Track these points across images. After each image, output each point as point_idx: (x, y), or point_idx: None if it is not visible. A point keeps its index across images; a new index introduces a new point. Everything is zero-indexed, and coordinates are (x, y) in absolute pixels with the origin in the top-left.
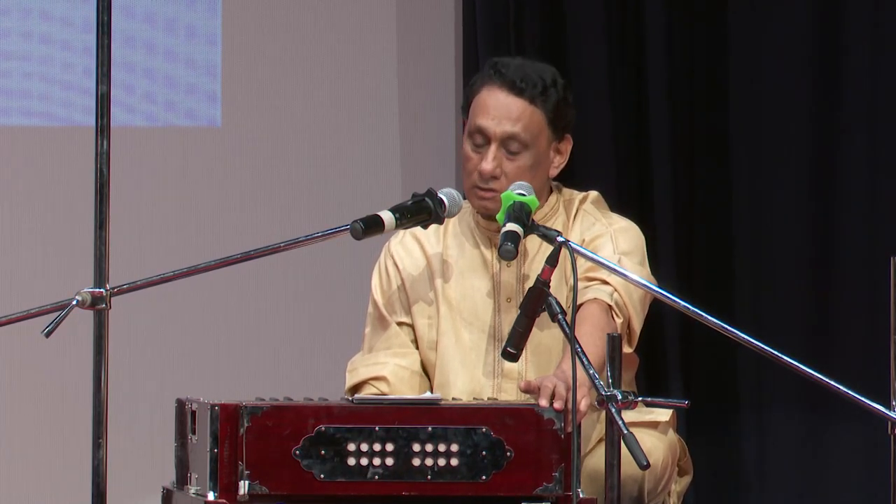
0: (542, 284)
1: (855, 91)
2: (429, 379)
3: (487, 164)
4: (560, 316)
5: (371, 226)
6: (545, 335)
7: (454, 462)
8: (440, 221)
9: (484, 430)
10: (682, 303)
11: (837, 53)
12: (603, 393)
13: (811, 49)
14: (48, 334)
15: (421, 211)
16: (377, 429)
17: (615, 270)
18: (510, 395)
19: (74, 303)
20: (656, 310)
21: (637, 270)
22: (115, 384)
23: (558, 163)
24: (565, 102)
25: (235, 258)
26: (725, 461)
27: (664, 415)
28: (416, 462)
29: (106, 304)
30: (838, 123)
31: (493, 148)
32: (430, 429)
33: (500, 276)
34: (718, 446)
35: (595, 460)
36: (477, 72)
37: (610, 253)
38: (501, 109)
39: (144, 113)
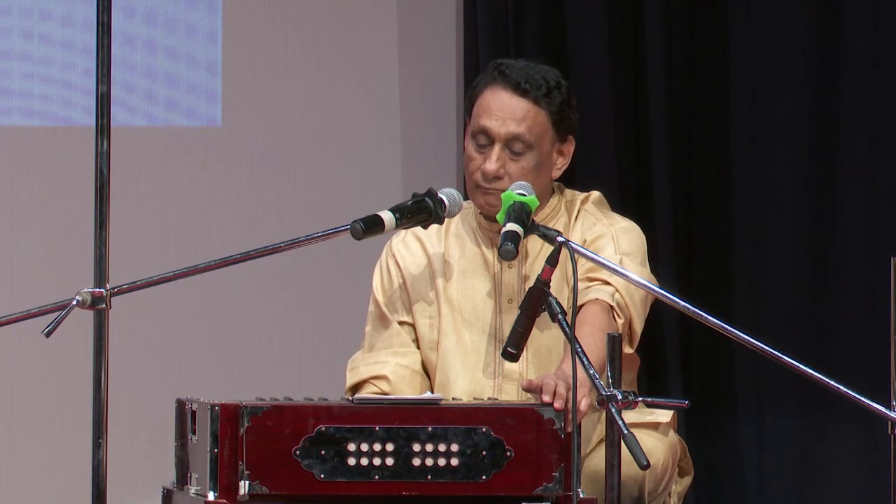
0: (543, 284)
1: (855, 91)
2: (429, 379)
3: (491, 165)
4: (560, 316)
5: (371, 226)
6: (546, 336)
7: (454, 462)
8: (440, 221)
9: (484, 430)
10: (683, 303)
11: (837, 53)
12: (603, 393)
13: (811, 49)
14: (48, 334)
15: (421, 211)
16: (377, 429)
17: (616, 271)
18: (511, 395)
19: (74, 303)
20: (656, 310)
21: (638, 271)
22: (115, 384)
23: (561, 164)
24: (569, 104)
25: (235, 258)
26: (725, 461)
27: (665, 416)
28: (417, 462)
29: (106, 304)
30: (838, 123)
31: (496, 148)
32: (430, 429)
33: (501, 277)
34: (718, 446)
35: (595, 460)
36: (477, 72)
37: (611, 253)
38: (506, 110)
39: (144, 113)
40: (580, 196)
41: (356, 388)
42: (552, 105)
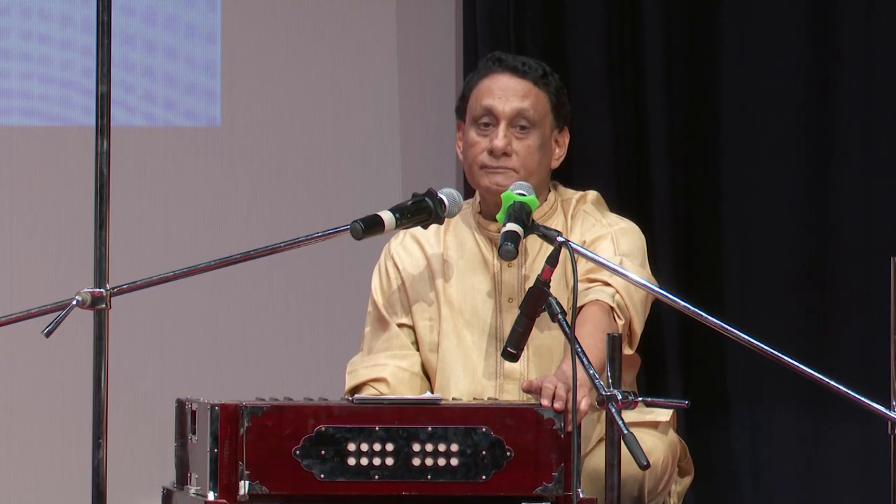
0: (542, 284)
1: (851, 90)
2: (429, 381)
3: (499, 141)
4: (560, 316)
5: (371, 226)
6: (546, 336)
7: (454, 462)
8: (440, 221)
9: (484, 429)
10: (683, 303)
11: (833, 52)
12: (603, 393)
13: (807, 49)
14: (48, 334)
15: (421, 211)
16: (377, 429)
17: (616, 271)
18: (512, 396)
19: (74, 303)
20: (656, 309)
21: (638, 272)
22: (115, 384)
23: (558, 155)
24: (563, 92)
25: (235, 258)
26: (724, 461)
27: (664, 415)
28: (416, 462)
29: (106, 304)
30: (835, 123)
31: (502, 125)
32: (430, 429)
33: (500, 277)
34: (717, 446)
35: (595, 460)
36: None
37: (611, 254)
38: (508, 89)
39: (144, 113)
40: (576, 195)
41: (355, 390)
42: (550, 88)
